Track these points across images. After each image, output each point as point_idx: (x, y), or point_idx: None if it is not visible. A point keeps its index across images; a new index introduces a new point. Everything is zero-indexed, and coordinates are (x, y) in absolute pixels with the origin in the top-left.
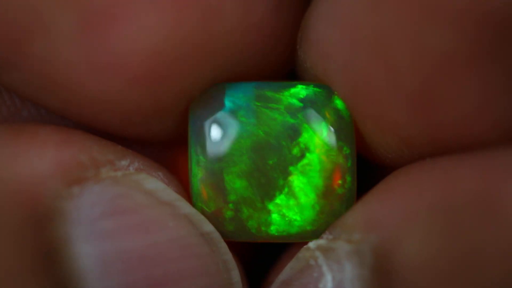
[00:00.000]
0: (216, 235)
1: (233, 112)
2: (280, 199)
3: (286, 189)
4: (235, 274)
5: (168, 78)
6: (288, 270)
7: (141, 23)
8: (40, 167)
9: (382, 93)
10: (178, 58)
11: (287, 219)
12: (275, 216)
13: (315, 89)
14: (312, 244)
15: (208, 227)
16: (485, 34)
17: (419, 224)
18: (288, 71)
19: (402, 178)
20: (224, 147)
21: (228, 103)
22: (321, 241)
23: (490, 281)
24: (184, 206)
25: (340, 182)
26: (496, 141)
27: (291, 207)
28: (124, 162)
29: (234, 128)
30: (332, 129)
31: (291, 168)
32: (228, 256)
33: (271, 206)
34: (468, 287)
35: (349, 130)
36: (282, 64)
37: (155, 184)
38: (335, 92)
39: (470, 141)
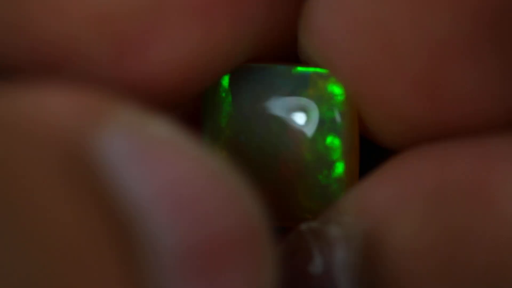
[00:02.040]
0: (231, 172)
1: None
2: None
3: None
4: (253, 208)
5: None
6: (279, 252)
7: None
8: (64, 112)
9: (385, 77)
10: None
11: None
12: None
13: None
14: (303, 226)
15: (222, 165)
16: (482, 20)
17: (412, 209)
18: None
19: (397, 164)
20: None
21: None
22: (312, 224)
23: (477, 269)
24: (194, 147)
25: (324, 172)
26: (495, 120)
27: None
28: (135, 110)
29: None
30: (315, 120)
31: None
32: (243, 191)
33: None
34: (458, 274)
35: (343, 120)
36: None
37: (163, 128)
38: (332, 78)
39: (472, 121)
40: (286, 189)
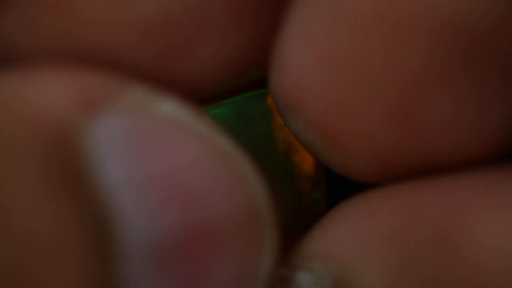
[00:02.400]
0: (238, 155)
1: None
2: None
3: None
4: (260, 191)
5: None
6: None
7: None
8: (58, 96)
9: (359, 110)
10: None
11: None
12: None
13: None
14: (274, 275)
15: (229, 147)
16: (455, 50)
17: (378, 253)
18: None
19: (360, 204)
20: None
21: None
22: (282, 271)
23: None
24: (201, 126)
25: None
26: (469, 153)
27: None
28: (138, 91)
29: None
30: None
31: None
32: (251, 173)
33: None
34: None
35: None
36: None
37: (171, 108)
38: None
39: (446, 154)
40: None
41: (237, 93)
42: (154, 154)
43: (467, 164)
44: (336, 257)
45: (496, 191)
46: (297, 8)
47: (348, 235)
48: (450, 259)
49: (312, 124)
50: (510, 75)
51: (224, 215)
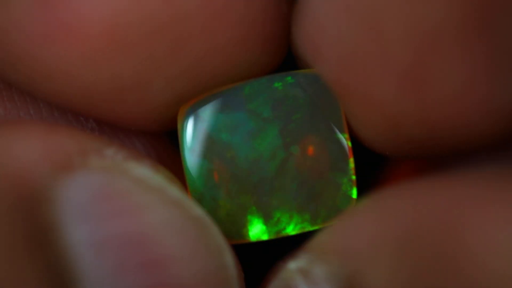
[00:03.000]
0: (207, 219)
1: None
2: None
3: None
4: (228, 258)
5: (125, 56)
6: None
7: None
8: (27, 155)
9: (372, 68)
10: (136, 36)
11: None
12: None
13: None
14: (292, 266)
15: (198, 211)
16: (471, 7)
17: (386, 254)
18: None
19: (374, 201)
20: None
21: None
22: (300, 263)
23: None
24: (173, 191)
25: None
26: (479, 126)
27: None
28: (111, 151)
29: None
30: None
31: None
32: (220, 239)
33: None
34: None
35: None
36: (263, 62)
37: (143, 170)
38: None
39: (455, 122)
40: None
41: None
42: (121, 215)
43: (476, 141)
44: (350, 254)
45: (502, 192)
46: None
47: (361, 233)
48: (457, 260)
49: (325, 77)
50: None
51: (192, 282)
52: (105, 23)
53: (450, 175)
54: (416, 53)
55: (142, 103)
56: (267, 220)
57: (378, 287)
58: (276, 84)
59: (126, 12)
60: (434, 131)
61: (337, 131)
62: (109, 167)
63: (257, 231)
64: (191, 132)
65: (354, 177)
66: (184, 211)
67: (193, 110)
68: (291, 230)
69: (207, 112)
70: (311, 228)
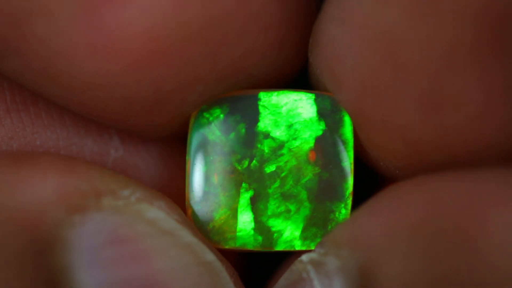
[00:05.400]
0: (218, 264)
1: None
2: None
3: None
4: None
5: (167, 64)
6: (282, 281)
7: (141, 5)
8: (41, 195)
9: (390, 94)
10: (177, 44)
11: None
12: None
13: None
14: (304, 257)
15: (210, 256)
16: (485, 26)
17: (401, 245)
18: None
19: (390, 195)
20: None
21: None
22: (313, 255)
23: None
24: (186, 235)
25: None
26: (497, 148)
27: None
28: (126, 192)
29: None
30: None
31: None
32: (230, 285)
33: None
34: None
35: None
36: (292, 64)
37: (156, 213)
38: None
39: (475, 146)
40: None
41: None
42: (133, 260)
43: (493, 160)
44: (364, 245)
45: None
46: None
47: (375, 225)
48: (469, 252)
49: (344, 104)
50: None
51: None
52: (146, 33)
53: (465, 169)
54: (433, 77)
55: (180, 109)
56: (258, 224)
57: (392, 278)
58: (292, 105)
59: (165, 21)
60: (454, 156)
61: (343, 157)
62: (122, 209)
63: (246, 224)
64: (195, 132)
65: (349, 206)
66: (196, 256)
67: (201, 112)
68: (281, 242)
69: (215, 115)
70: (298, 246)
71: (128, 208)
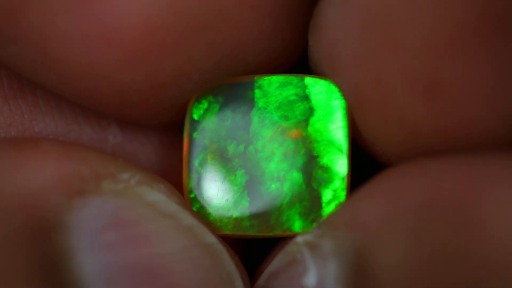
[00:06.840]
0: (219, 246)
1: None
2: None
3: None
4: (239, 285)
5: (164, 54)
6: (276, 262)
7: None
8: (41, 180)
9: (389, 76)
10: (172, 33)
11: None
12: None
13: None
14: (299, 239)
15: (211, 238)
16: (490, 7)
17: (398, 226)
18: (297, 62)
19: (388, 178)
20: None
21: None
22: (308, 237)
23: None
24: (186, 218)
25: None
26: (493, 131)
27: None
28: (125, 175)
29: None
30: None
31: None
32: (231, 267)
33: None
34: None
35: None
36: (288, 52)
37: (157, 196)
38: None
39: (470, 131)
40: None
41: None
42: (133, 243)
43: (493, 145)
44: (361, 228)
45: None
46: None
47: (373, 208)
48: (471, 236)
49: (342, 88)
50: None
51: None
52: (142, 23)
53: (465, 153)
54: (435, 61)
55: (177, 98)
56: (255, 208)
57: (390, 261)
58: (288, 91)
59: (161, 11)
60: (451, 140)
61: (339, 140)
62: (122, 192)
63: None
64: (192, 119)
65: (346, 189)
66: (197, 238)
67: (198, 99)
68: (278, 226)
69: (211, 101)
70: (296, 230)
71: (128, 192)
